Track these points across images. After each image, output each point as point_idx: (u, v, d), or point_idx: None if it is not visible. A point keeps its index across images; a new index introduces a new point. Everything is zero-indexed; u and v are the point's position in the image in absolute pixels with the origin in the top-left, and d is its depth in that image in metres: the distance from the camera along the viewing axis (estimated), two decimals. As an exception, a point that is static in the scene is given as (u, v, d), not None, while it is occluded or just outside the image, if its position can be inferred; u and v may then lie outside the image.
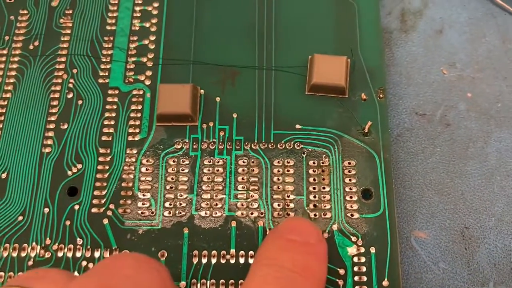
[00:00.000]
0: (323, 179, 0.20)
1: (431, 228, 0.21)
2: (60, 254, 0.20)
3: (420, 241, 0.21)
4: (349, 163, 0.21)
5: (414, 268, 0.21)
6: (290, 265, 0.16)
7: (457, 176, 0.22)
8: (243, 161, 0.21)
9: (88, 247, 0.20)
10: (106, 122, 0.21)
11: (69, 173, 0.21)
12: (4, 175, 0.21)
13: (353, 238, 0.19)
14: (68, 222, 0.20)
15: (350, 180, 0.20)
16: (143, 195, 0.20)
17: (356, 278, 0.19)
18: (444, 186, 0.22)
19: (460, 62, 0.24)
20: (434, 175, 0.22)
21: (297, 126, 0.21)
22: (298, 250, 0.16)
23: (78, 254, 0.20)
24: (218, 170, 0.21)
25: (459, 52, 0.24)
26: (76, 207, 0.20)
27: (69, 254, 0.20)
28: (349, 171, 0.20)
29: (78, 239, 0.20)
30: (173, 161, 0.21)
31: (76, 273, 0.19)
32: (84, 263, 0.19)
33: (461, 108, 0.23)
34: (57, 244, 0.20)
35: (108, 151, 0.21)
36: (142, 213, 0.20)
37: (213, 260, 0.19)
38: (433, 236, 0.21)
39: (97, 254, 0.20)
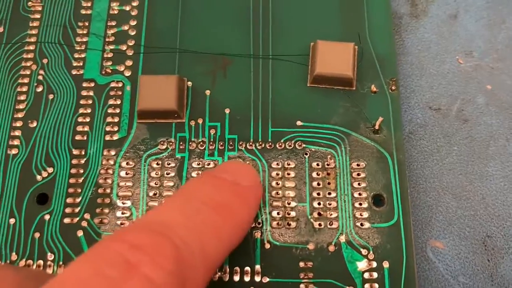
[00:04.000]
0: (329, 184, 0.18)
1: (449, 237, 0.19)
2: (27, 271, 0.17)
3: (437, 251, 0.19)
4: (357, 165, 0.18)
5: (431, 282, 0.18)
6: (206, 198, 0.14)
7: (477, 178, 0.20)
8: (237, 163, 0.18)
9: (60, 263, 0.17)
10: (80, 120, 0.19)
11: (39, 177, 0.18)
12: (-38, 181, 0.18)
13: (364, 251, 0.17)
14: (37, 235, 0.18)
15: (359, 184, 0.18)
16: (123, 203, 0.18)
17: (367, 297, 0.17)
18: (462, 190, 0.19)
19: (477, 51, 0.22)
20: (451, 177, 0.20)
21: (298, 123, 0.19)
22: (221, 187, 0.15)
23: (49, 271, 0.17)
24: (208, 174, 0.18)
25: (476, 39, 0.22)
26: (47, 217, 0.18)
27: (38, 272, 0.17)
28: (358, 174, 0.18)
29: (49, 253, 0.17)
30: (157, 164, 0.18)
31: None
32: (55, 282, 0.17)
33: (480, 101, 0.21)
34: (24, 259, 0.17)
35: (83, 153, 0.19)
36: (121, 223, 0.18)
37: (204, 278, 0.17)
38: (451, 246, 0.19)
39: (70, 272, 0.17)
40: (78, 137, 0.19)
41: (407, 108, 0.21)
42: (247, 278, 0.17)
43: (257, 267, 0.17)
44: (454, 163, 0.20)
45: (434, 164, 0.20)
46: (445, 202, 0.19)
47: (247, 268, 0.17)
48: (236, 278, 0.17)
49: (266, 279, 0.17)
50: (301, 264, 0.17)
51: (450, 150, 0.20)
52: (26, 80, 0.20)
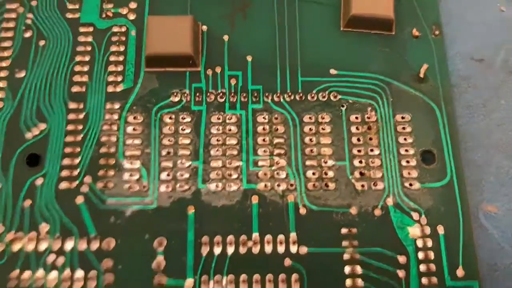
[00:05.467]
0: (370, 139, 0.16)
1: (502, 201, 0.17)
2: (17, 246, 0.15)
3: (490, 217, 0.17)
4: (402, 118, 0.16)
5: (485, 252, 0.16)
6: None
7: (529, 135, 0.17)
8: (263, 118, 0.16)
9: (57, 235, 0.15)
10: (77, 69, 0.17)
11: (28, 135, 0.16)
12: None
13: (415, 215, 0.15)
14: (28, 202, 0.15)
15: (405, 139, 0.16)
16: (131, 164, 0.16)
17: (422, 267, 0.15)
18: (514, 148, 0.17)
19: (520, -3, 0.19)
20: (501, 134, 0.18)
21: (332, 72, 0.17)
22: None
23: (43, 246, 0.15)
24: (230, 130, 0.16)
25: (518, -15, 0.20)
26: (39, 181, 0.16)
27: (30, 246, 0.15)
28: (403, 128, 0.16)
29: (43, 224, 0.15)
30: (170, 118, 0.16)
31: (41, 271, 0.14)
32: (51, 257, 0.15)
33: (527, 51, 0.19)
34: (13, 231, 0.15)
35: (81, 106, 0.16)
36: (129, 187, 0.15)
37: (230, 250, 0.15)
38: (505, 210, 0.17)
39: (69, 245, 0.15)
40: (75, 89, 0.17)
41: (447, 59, 0.18)
42: (281, 249, 0.15)
43: (293, 235, 0.15)
44: (503, 118, 0.18)
45: (481, 120, 0.18)
46: (495, 162, 0.17)
47: (281, 237, 0.15)
48: (268, 249, 0.15)
49: (304, 249, 0.14)
50: (343, 230, 0.15)
51: (498, 104, 0.18)
52: (11, 25, 0.17)
